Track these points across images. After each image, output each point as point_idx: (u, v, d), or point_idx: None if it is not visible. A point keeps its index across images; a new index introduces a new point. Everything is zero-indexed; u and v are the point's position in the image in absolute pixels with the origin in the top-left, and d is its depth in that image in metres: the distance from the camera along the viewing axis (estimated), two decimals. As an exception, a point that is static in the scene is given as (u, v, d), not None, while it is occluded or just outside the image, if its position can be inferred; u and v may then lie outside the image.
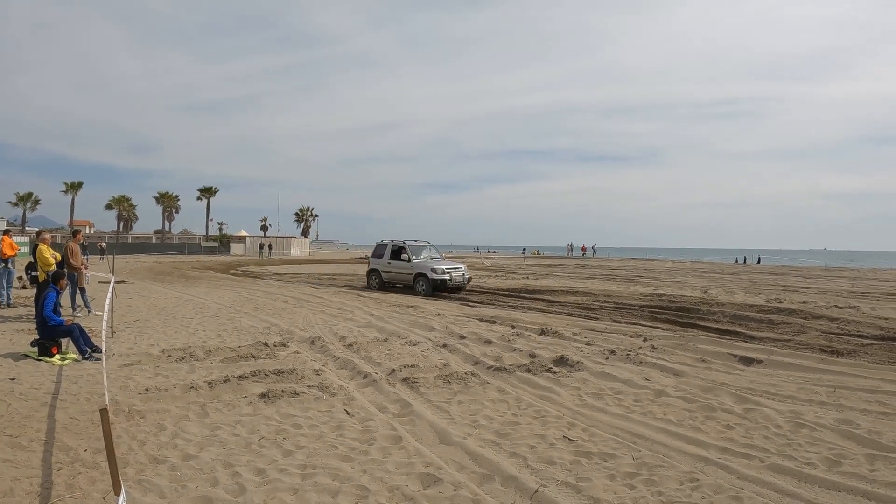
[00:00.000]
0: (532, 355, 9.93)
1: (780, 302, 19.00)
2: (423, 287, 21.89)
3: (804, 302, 19.28)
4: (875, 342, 11.73)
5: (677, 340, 11.49)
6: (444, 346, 10.85)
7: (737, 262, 64.03)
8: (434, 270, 21.93)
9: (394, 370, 8.76)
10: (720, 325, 14.01)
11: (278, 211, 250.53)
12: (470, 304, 18.79)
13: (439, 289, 21.81)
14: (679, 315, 15.58)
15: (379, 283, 24.13)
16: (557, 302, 18.89)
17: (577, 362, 9.33)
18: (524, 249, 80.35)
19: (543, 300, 19.57)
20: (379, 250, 24.72)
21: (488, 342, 11.17)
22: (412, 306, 17.12)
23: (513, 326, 13.16)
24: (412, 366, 9.08)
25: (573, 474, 5.08)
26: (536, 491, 4.71)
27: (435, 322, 13.65)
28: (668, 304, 17.99)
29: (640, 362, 9.67)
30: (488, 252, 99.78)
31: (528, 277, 31.15)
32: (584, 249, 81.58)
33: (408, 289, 23.00)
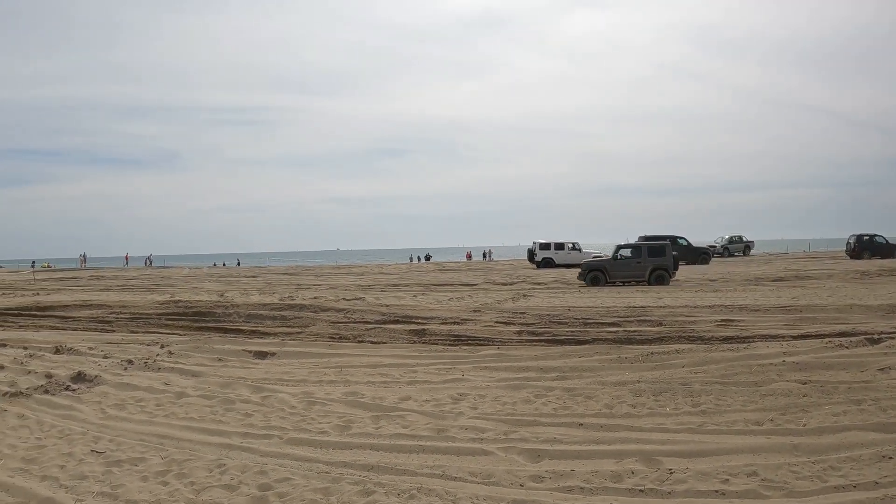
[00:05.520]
0: (48, 375, 9.39)
1: (293, 299, 20.94)
2: None
3: (315, 297, 21.66)
4: (377, 326, 14.10)
5: (194, 344, 11.96)
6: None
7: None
8: None
9: None
10: (236, 325, 14.89)
11: None
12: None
13: None
14: (195, 319, 16.00)
15: None
16: (71, 317, 17.63)
17: (96, 376, 9.24)
18: (33, 263, 71.19)
19: (56, 316, 17.99)
20: None
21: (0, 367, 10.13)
22: None
23: (25, 348, 12.02)
24: None
25: (107, 483, 5.29)
26: (74, 507, 4.81)
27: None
28: (185, 309, 18.29)
29: (159, 369, 9.96)
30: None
31: (38, 293, 28.13)
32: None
33: None
